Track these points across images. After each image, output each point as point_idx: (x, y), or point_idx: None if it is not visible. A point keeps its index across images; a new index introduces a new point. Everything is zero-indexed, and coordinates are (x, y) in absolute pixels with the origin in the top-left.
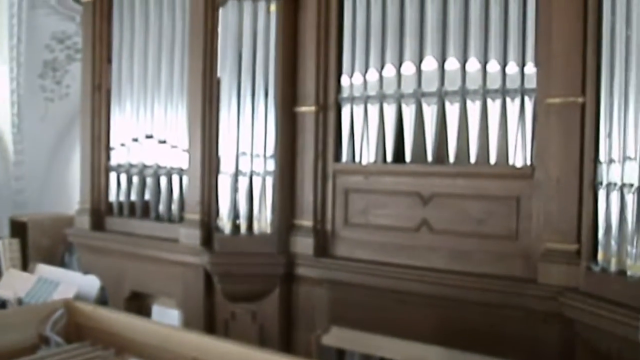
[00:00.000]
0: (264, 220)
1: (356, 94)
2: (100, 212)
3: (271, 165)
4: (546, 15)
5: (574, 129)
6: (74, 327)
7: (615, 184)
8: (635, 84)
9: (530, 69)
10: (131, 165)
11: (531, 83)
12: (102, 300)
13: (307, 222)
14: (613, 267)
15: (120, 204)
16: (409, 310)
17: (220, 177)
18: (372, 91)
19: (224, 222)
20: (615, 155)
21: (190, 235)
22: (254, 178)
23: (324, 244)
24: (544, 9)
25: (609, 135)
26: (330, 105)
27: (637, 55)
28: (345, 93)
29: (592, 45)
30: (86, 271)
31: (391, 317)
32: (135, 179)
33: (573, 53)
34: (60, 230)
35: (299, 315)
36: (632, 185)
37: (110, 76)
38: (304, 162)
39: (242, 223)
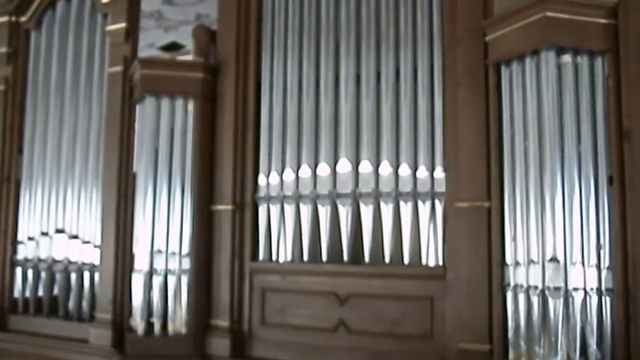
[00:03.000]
0: (179, 320)
1: (273, 193)
2: (3, 309)
3: (187, 264)
4: (453, 124)
5: (481, 232)
6: None
7: (521, 286)
8: (534, 192)
9: (439, 173)
10: (40, 260)
11: (441, 187)
12: None
13: (223, 322)
14: None
15: (25, 301)
16: None
17: (134, 275)
18: (288, 191)
19: (137, 321)
20: (520, 258)
21: (100, 335)
22: (169, 277)
23: (240, 345)
24: (451, 119)
25: (514, 238)
26: (247, 204)
27: (535, 165)
28: (262, 192)
29: (495, 153)
30: None
31: None
32: (43, 275)
33: (478, 160)
34: None
35: None
36: (536, 287)
37: (21, 167)
38: (220, 261)
39: (156, 323)
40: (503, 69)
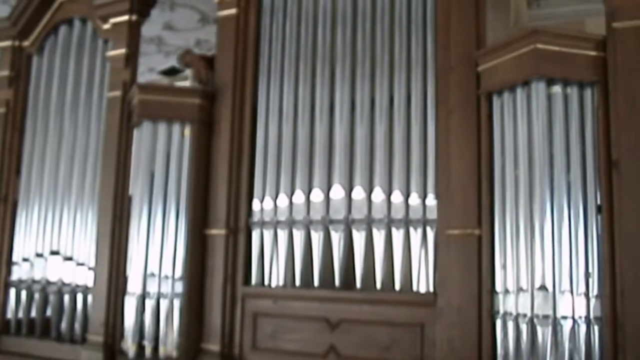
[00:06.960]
0: (170, 343)
1: (266, 218)
2: None
3: (179, 287)
4: (445, 151)
5: (472, 259)
6: None
7: (511, 314)
8: (524, 220)
9: (431, 200)
10: (34, 281)
11: (432, 214)
12: None
13: (214, 346)
14: None
15: (18, 322)
16: None
17: (127, 298)
18: (282, 216)
19: (128, 344)
20: (510, 286)
21: (91, 358)
22: (161, 300)
23: None
24: (443, 146)
25: (504, 266)
26: (240, 229)
27: (525, 193)
28: (255, 217)
29: (486, 181)
30: None
31: None
32: (36, 296)
33: (469, 188)
34: None
35: None
36: (525, 315)
37: (18, 188)
38: (212, 285)
39: (147, 346)
40: (495, 98)
